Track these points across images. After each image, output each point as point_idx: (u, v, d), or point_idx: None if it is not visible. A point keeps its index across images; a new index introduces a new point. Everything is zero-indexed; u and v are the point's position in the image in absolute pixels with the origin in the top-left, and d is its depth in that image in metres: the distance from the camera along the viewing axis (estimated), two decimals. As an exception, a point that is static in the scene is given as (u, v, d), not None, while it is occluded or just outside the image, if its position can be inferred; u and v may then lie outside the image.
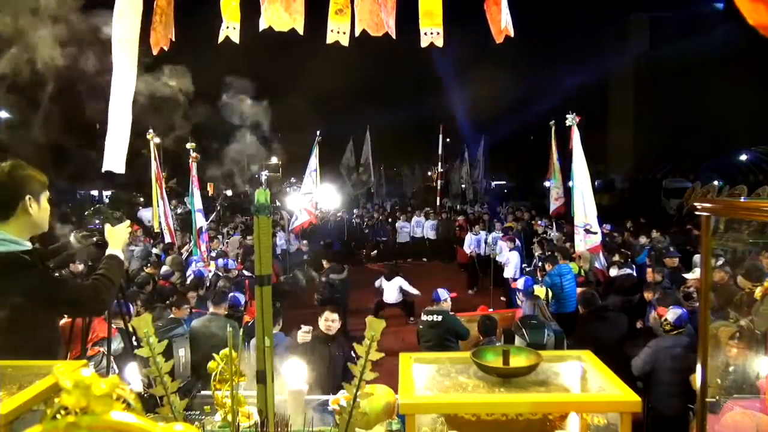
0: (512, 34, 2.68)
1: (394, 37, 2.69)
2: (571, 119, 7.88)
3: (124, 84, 2.72)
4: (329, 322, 4.55)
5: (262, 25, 2.73)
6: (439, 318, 5.72)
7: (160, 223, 9.45)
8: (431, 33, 2.63)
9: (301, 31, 2.74)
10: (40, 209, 2.14)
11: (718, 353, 3.75)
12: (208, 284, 7.43)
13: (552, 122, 10.41)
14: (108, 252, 2.34)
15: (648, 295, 6.06)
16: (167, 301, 5.87)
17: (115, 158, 2.76)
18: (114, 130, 2.74)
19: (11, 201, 2.06)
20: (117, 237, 2.40)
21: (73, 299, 2.14)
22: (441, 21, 2.63)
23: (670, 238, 10.63)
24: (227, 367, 1.84)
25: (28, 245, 2.12)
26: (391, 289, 9.38)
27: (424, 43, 2.65)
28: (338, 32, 2.67)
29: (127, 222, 2.45)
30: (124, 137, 2.77)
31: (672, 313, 4.78)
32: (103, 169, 2.79)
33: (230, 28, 2.73)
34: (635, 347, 4.96)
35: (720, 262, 5.74)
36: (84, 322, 2.56)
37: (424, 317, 5.84)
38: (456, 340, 5.77)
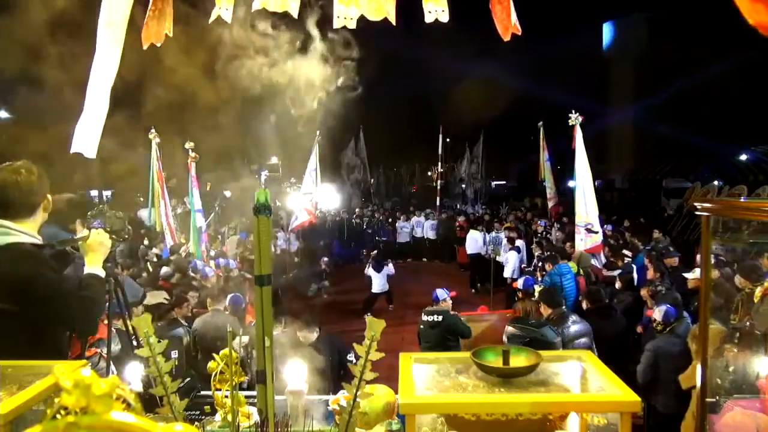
0: (520, 32, 2.65)
1: (393, 23, 2.66)
2: (575, 118, 7.87)
3: (106, 68, 2.63)
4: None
5: (256, 5, 2.69)
6: (440, 318, 5.71)
7: (161, 222, 9.46)
8: (435, 10, 2.59)
9: (295, 14, 2.70)
10: (50, 205, 2.28)
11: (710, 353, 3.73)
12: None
13: (540, 123, 10.44)
14: (87, 270, 2.27)
15: (644, 292, 6.07)
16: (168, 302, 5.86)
17: (86, 141, 2.64)
18: (89, 112, 2.63)
19: (36, 201, 2.19)
20: (93, 251, 2.31)
21: (67, 307, 2.12)
22: None
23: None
24: (227, 367, 1.84)
25: (38, 239, 2.21)
26: (380, 279, 10.70)
27: (428, 19, 2.61)
28: (345, 17, 2.64)
29: (96, 232, 2.35)
30: (98, 121, 2.67)
31: (658, 312, 4.79)
32: (72, 151, 2.66)
33: (223, 10, 2.68)
34: (637, 351, 4.96)
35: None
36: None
37: (424, 317, 5.82)
38: (457, 340, 5.77)
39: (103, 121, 2.68)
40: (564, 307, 5.46)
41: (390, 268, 10.96)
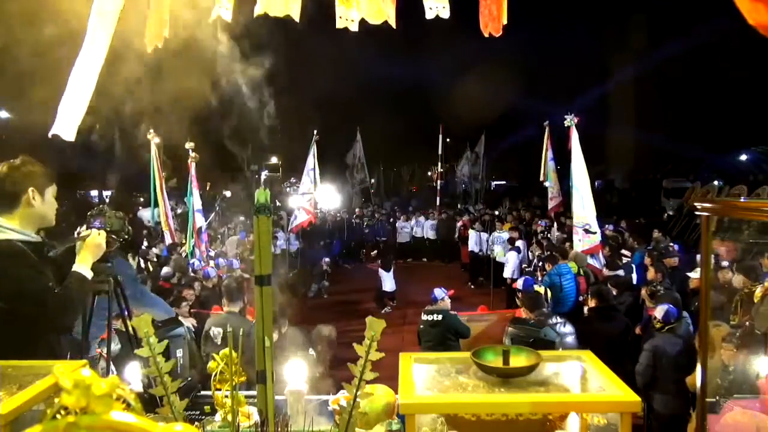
0: (498, 34, 2.65)
1: (393, 26, 2.66)
2: (570, 120, 7.88)
3: (94, 55, 2.62)
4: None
5: (257, 10, 2.69)
6: (440, 317, 5.73)
7: (159, 222, 9.48)
8: (436, 7, 2.59)
9: (297, 18, 2.70)
10: (44, 202, 2.27)
11: (713, 354, 3.75)
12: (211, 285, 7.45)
13: (546, 123, 10.47)
14: (74, 267, 2.26)
15: (644, 292, 6.07)
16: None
17: (66, 124, 2.61)
18: (72, 96, 2.61)
19: (15, 194, 2.19)
20: (87, 251, 2.31)
21: (41, 300, 2.13)
22: None
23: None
24: (227, 367, 1.84)
25: (32, 236, 2.22)
26: (390, 279, 11.00)
27: (429, 16, 2.60)
28: (346, 19, 2.64)
29: (96, 233, 2.35)
30: (81, 107, 2.66)
31: (659, 310, 4.78)
32: (51, 134, 2.62)
33: (222, 9, 2.68)
34: (636, 351, 4.96)
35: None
36: (83, 322, 2.55)
37: (424, 317, 5.84)
38: (457, 339, 5.78)
39: (85, 107, 2.67)
40: (545, 308, 5.42)
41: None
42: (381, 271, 11.15)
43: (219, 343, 4.67)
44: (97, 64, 2.64)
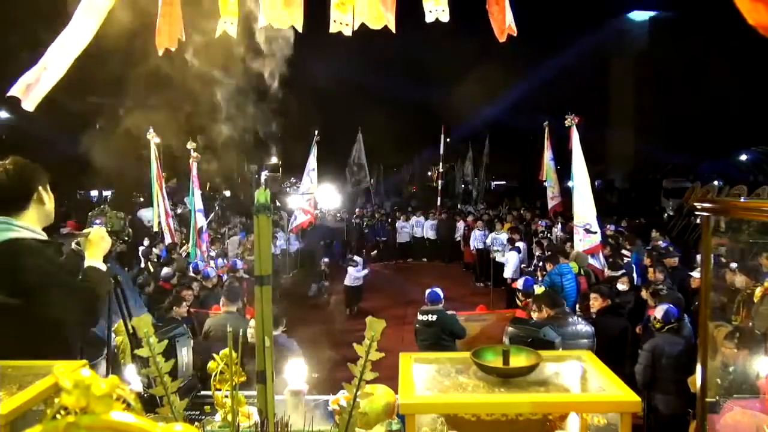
0: (515, 33, 2.65)
1: (393, 30, 2.67)
2: (570, 120, 7.89)
3: (75, 42, 2.62)
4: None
5: (262, 22, 2.72)
6: (434, 317, 5.75)
7: (159, 222, 9.48)
8: (435, 10, 2.59)
9: (300, 29, 2.72)
10: (50, 199, 2.24)
11: (716, 354, 3.76)
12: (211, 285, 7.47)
13: (545, 123, 10.49)
14: (87, 263, 2.26)
15: (645, 292, 6.07)
16: (166, 302, 5.89)
17: (29, 95, 2.59)
18: (41, 70, 2.60)
19: (25, 193, 2.15)
20: (94, 246, 2.30)
21: (70, 299, 2.11)
22: None
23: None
24: (227, 367, 1.84)
25: (43, 235, 2.21)
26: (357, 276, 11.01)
27: (428, 19, 2.61)
28: (341, 23, 2.64)
29: (98, 228, 2.34)
30: (48, 83, 2.63)
31: (659, 310, 4.79)
32: (8, 94, 2.58)
33: (227, 24, 2.71)
34: (636, 351, 4.96)
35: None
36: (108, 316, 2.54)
37: (420, 317, 5.87)
38: (452, 339, 5.80)
39: (51, 85, 2.65)
40: (566, 307, 5.42)
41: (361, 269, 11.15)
42: (357, 269, 10.89)
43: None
44: (75, 51, 2.63)
